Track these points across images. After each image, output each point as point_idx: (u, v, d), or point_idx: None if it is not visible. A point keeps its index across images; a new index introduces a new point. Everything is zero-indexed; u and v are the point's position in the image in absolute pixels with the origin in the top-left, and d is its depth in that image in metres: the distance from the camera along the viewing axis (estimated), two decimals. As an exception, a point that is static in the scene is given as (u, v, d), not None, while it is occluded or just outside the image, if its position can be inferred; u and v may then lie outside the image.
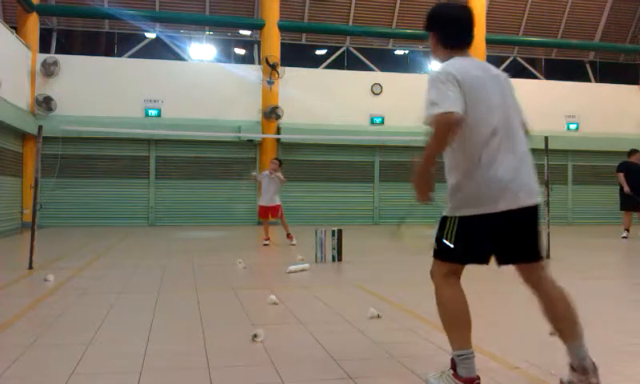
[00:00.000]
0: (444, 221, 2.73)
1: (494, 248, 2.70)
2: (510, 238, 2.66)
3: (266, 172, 10.40)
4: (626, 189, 12.04)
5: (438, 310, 2.76)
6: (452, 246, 2.66)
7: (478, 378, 2.67)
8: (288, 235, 10.16)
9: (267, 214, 10.32)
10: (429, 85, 2.59)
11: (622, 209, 12.46)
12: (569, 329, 2.66)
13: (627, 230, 12.17)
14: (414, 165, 2.62)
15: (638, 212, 12.27)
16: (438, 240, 2.74)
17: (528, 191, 2.64)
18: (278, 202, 10.30)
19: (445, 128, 2.48)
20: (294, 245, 9.90)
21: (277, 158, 10.86)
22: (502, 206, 2.59)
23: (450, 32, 2.80)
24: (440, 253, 2.73)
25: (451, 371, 2.72)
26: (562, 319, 2.67)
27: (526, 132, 2.87)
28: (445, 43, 2.80)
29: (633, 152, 12.43)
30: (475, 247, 2.67)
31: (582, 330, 2.67)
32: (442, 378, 2.75)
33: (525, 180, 2.64)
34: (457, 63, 2.66)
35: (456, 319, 2.69)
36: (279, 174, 10.26)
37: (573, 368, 2.65)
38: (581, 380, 2.61)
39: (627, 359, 3.35)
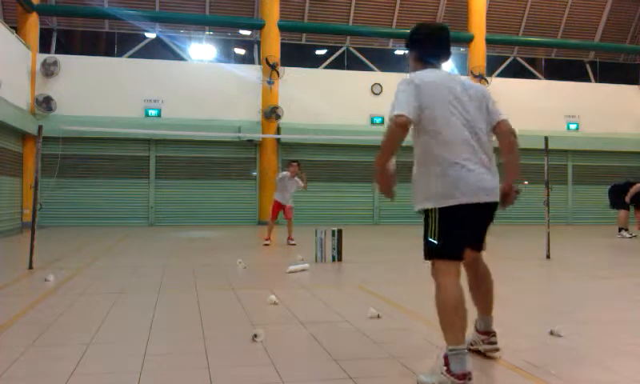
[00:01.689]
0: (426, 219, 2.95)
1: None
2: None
3: (287, 173, 10.41)
4: (628, 198, 12.16)
5: (436, 306, 2.84)
6: (437, 242, 2.86)
7: (470, 373, 2.73)
8: (290, 237, 10.20)
9: (278, 211, 10.36)
10: (397, 89, 2.88)
11: (619, 208, 12.54)
12: (491, 302, 3.23)
13: (626, 230, 12.26)
14: (375, 163, 2.89)
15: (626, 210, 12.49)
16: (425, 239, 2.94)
17: (488, 191, 2.87)
18: (291, 204, 10.41)
19: (399, 128, 2.78)
20: (293, 244, 9.91)
21: (295, 161, 10.78)
22: (464, 199, 2.82)
23: (428, 49, 3.07)
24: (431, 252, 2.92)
25: (444, 368, 2.77)
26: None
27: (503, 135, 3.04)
28: (423, 59, 3.07)
29: None
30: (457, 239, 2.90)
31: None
32: (433, 376, 2.79)
33: (484, 183, 2.86)
34: (424, 73, 2.95)
35: (450, 317, 2.77)
36: (300, 181, 10.33)
37: (478, 331, 3.27)
38: (483, 339, 3.25)
39: (627, 359, 3.35)
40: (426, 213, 2.91)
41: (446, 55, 3.10)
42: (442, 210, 2.83)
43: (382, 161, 2.88)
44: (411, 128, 2.88)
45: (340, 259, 7.79)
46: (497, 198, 2.94)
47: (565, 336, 3.72)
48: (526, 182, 15.18)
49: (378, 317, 4.25)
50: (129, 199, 15.92)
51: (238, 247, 9.93)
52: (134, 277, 6.48)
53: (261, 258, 8.71)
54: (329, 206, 16.66)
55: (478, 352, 3.29)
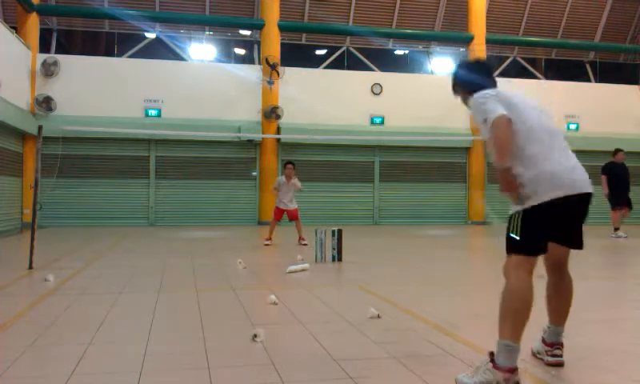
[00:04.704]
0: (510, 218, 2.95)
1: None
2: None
3: (282, 178, 10.45)
4: (605, 192, 12.19)
5: (501, 297, 2.86)
6: (518, 238, 2.86)
7: (517, 369, 2.74)
8: (301, 237, 10.13)
9: (281, 216, 10.37)
10: (477, 105, 2.97)
11: (613, 208, 12.57)
12: (566, 314, 3.17)
13: (617, 229, 12.29)
14: (498, 173, 2.86)
15: (625, 209, 12.43)
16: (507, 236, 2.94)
17: (581, 182, 3.03)
18: (295, 205, 10.43)
19: (504, 126, 2.81)
20: (305, 244, 9.81)
21: (290, 162, 10.77)
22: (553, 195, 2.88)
23: (477, 87, 3.14)
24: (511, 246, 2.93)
25: (490, 364, 2.76)
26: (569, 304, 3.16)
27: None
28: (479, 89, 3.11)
29: (616, 151, 12.71)
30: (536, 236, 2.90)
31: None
32: (477, 373, 2.76)
33: (576, 175, 3.04)
34: (493, 90, 3.07)
35: (513, 310, 2.80)
36: (296, 183, 10.35)
37: (545, 342, 3.18)
38: (547, 351, 3.16)
39: (627, 359, 3.35)
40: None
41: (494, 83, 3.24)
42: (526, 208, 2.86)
43: (504, 159, 2.83)
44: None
45: (340, 259, 7.78)
46: (590, 189, 3.04)
47: (565, 336, 3.72)
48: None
49: (378, 317, 4.25)
50: (129, 199, 15.92)
51: (238, 247, 9.93)
52: (134, 277, 6.48)
53: (261, 258, 8.71)
54: (329, 206, 16.65)
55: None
